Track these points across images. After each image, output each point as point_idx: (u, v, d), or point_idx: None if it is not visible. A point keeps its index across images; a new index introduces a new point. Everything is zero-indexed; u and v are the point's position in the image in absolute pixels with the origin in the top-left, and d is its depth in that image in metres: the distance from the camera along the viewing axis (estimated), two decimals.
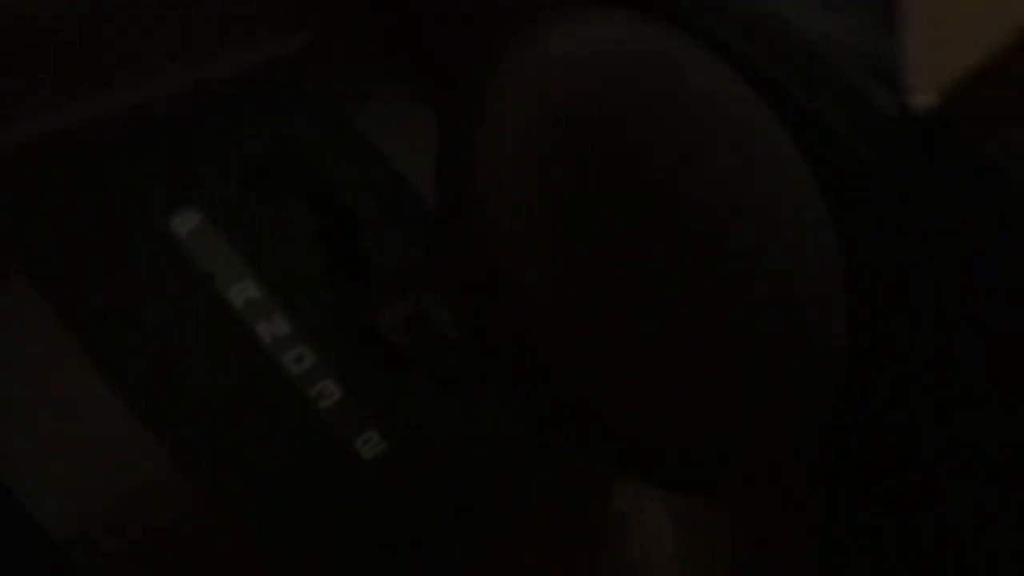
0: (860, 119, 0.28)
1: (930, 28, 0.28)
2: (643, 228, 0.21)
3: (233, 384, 0.26)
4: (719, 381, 0.21)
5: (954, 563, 0.31)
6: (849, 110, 0.29)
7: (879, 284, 0.30)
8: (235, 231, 0.28)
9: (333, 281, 0.29)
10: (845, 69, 0.29)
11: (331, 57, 0.33)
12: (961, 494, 0.30)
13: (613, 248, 0.20)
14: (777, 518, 0.32)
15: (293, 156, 0.30)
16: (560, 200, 0.20)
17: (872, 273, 0.30)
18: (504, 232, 0.20)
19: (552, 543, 0.28)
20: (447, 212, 0.21)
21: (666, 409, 0.20)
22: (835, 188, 0.29)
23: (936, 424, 0.30)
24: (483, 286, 0.20)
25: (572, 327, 0.20)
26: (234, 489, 0.25)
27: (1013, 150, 0.28)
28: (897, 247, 0.29)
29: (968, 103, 0.27)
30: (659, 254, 0.21)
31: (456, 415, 0.28)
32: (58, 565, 0.23)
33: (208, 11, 0.31)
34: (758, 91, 0.29)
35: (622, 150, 0.21)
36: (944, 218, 0.27)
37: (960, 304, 0.28)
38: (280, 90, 0.31)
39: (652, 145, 0.21)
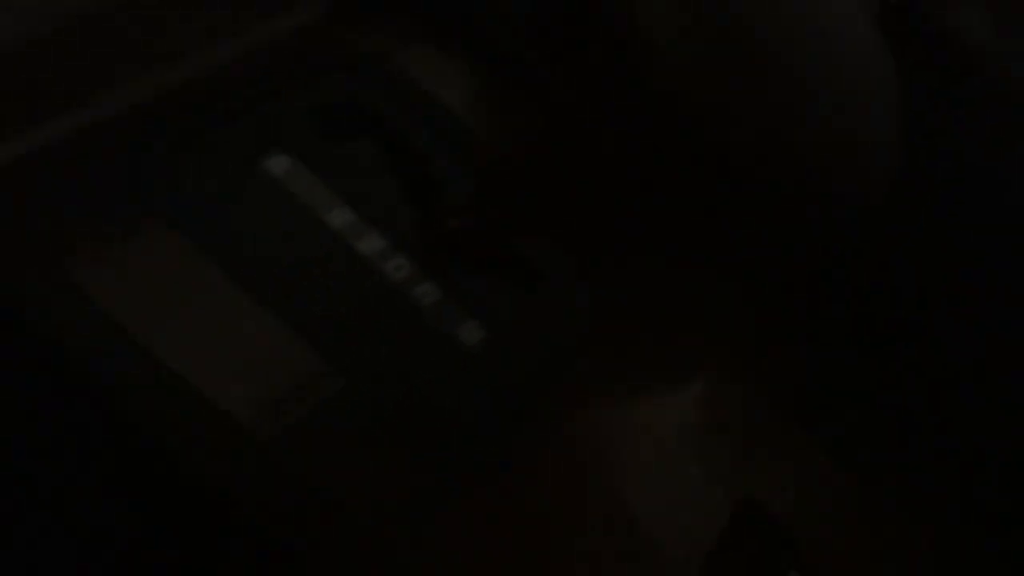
0: None
1: None
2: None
3: (351, 294, 0.30)
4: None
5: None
6: None
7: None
8: (321, 169, 0.32)
9: (413, 202, 0.33)
10: None
11: (360, 18, 0.37)
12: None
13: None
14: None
15: (357, 103, 0.34)
16: None
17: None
18: None
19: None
20: None
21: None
22: None
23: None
24: None
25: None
26: (360, 377, 0.29)
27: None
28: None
29: None
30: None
31: (536, 302, 0.33)
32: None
33: None
34: None
35: None
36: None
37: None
38: (329, 50, 0.35)
39: None
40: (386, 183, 0.33)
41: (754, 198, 0.30)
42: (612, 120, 0.32)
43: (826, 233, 0.30)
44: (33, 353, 0.28)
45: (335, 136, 0.33)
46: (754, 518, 0.33)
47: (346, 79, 0.35)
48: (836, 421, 0.35)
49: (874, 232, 0.35)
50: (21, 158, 0.30)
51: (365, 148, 0.33)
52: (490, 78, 0.36)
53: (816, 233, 0.30)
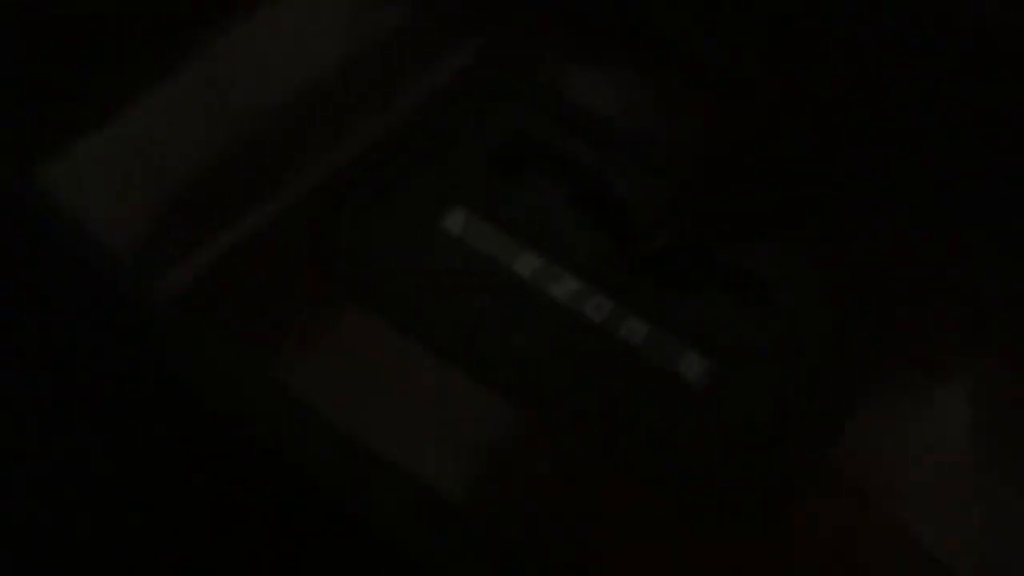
0: None
1: None
2: None
3: (552, 344, 0.28)
4: None
5: None
6: None
7: None
8: (499, 215, 0.30)
9: (601, 231, 0.30)
10: None
11: (515, 45, 0.35)
12: None
13: None
14: None
15: (523, 137, 0.31)
16: None
17: None
18: None
19: None
20: None
21: None
22: None
23: None
24: None
25: None
26: (586, 432, 0.26)
27: None
28: None
29: None
30: None
31: (760, 318, 0.28)
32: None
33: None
34: None
35: None
36: None
37: None
38: (487, 85, 0.33)
39: None
40: (570, 217, 0.30)
41: None
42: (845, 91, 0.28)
43: None
44: (250, 455, 0.27)
45: (508, 176, 0.31)
46: None
47: (509, 113, 0.32)
48: None
49: None
50: (223, 255, 0.30)
51: (542, 183, 0.31)
52: (667, 78, 0.32)
53: None
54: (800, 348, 0.28)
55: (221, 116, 0.31)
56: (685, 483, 0.26)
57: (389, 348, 0.27)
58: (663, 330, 0.28)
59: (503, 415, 0.26)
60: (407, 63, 0.33)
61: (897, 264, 0.30)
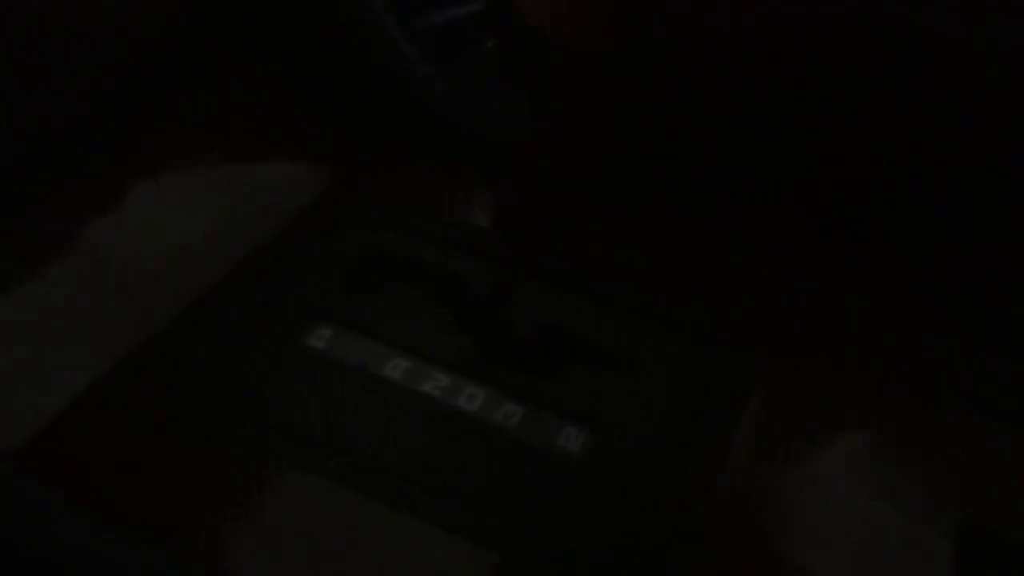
0: None
1: None
2: None
3: (431, 438, 0.27)
4: None
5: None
6: None
7: None
8: (363, 325, 0.30)
9: (464, 325, 0.30)
10: None
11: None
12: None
13: None
14: None
15: (377, 252, 0.32)
16: None
17: None
18: None
19: None
20: None
21: None
22: None
23: None
24: None
25: None
26: (474, 523, 0.26)
27: None
28: None
29: None
30: None
31: (628, 385, 0.29)
32: None
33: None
34: None
35: None
36: None
37: None
38: (339, 212, 0.34)
39: None
40: (431, 318, 0.31)
41: None
42: None
43: None
44: None
45: (367, 290, 0.32)
46: (987, 548, 0.27)
47: (360, 233, 0.33)
48: None
49: None
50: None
51: (401, 291, 0.32)
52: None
53: None
54: (671, 408, 0.28)
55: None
56: (576, 554, 0.25)
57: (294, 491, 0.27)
58: (538, 410, 0.28)
59: (386, 520, 0.26)
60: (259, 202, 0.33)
61: (766, 314, 0.31)
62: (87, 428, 0.27)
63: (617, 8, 0.31)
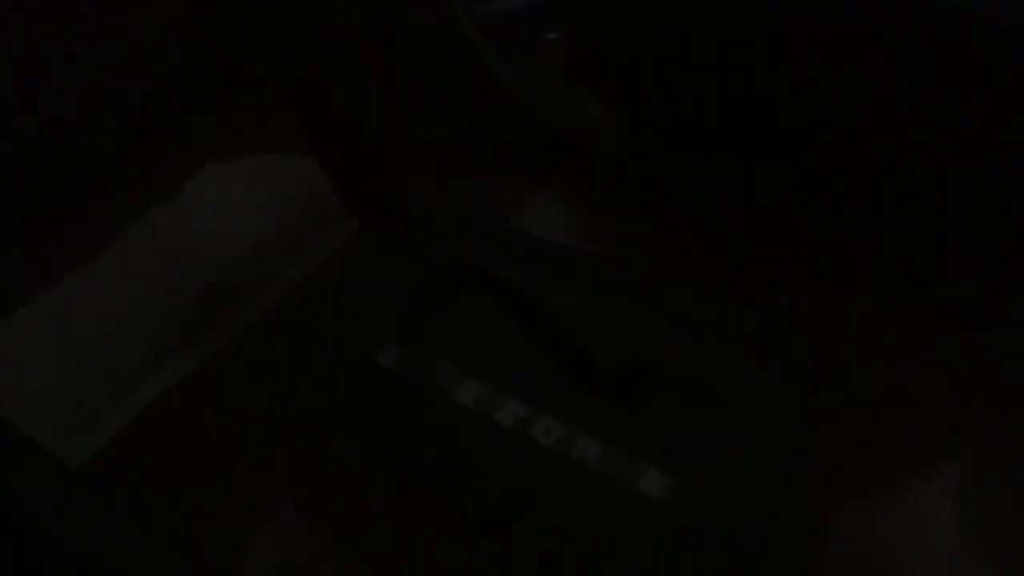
0: None
1: None
2: None
3: (504, 473, 0.26)
4: None
5: None
6: None
7: None
8: (436, 345, 0.29)
9: (543, 351, 0.28)
10: None
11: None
12: None
13: None
14: None
15: (459, 264, 0.31)
16: None
17: None
18: None
19: None
20: None
21: None
22: None
23: None
24: None
25: None
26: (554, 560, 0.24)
27: None
28: None
29: None
30: None
31: (717, 424, 0.27)
32: None
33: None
34: None
35: None
36: None
37: None
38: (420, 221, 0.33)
39: None
40: (508, 341, 0.29)
41: None
42: None
43: None
44: None
45: (445, 304, 0.30)
46: None
47: (444, 243, 0.31)
48: None
49: None
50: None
51: (480, 309, 0.30)
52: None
53: None
54: (763, 450, 0.27)
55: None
56: None
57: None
58: (616, 448, 0.27)
59: (462, 550, 0.24)
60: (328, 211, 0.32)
61: (860, 341, 0.29)
62: (155, 440, 0.26)
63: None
